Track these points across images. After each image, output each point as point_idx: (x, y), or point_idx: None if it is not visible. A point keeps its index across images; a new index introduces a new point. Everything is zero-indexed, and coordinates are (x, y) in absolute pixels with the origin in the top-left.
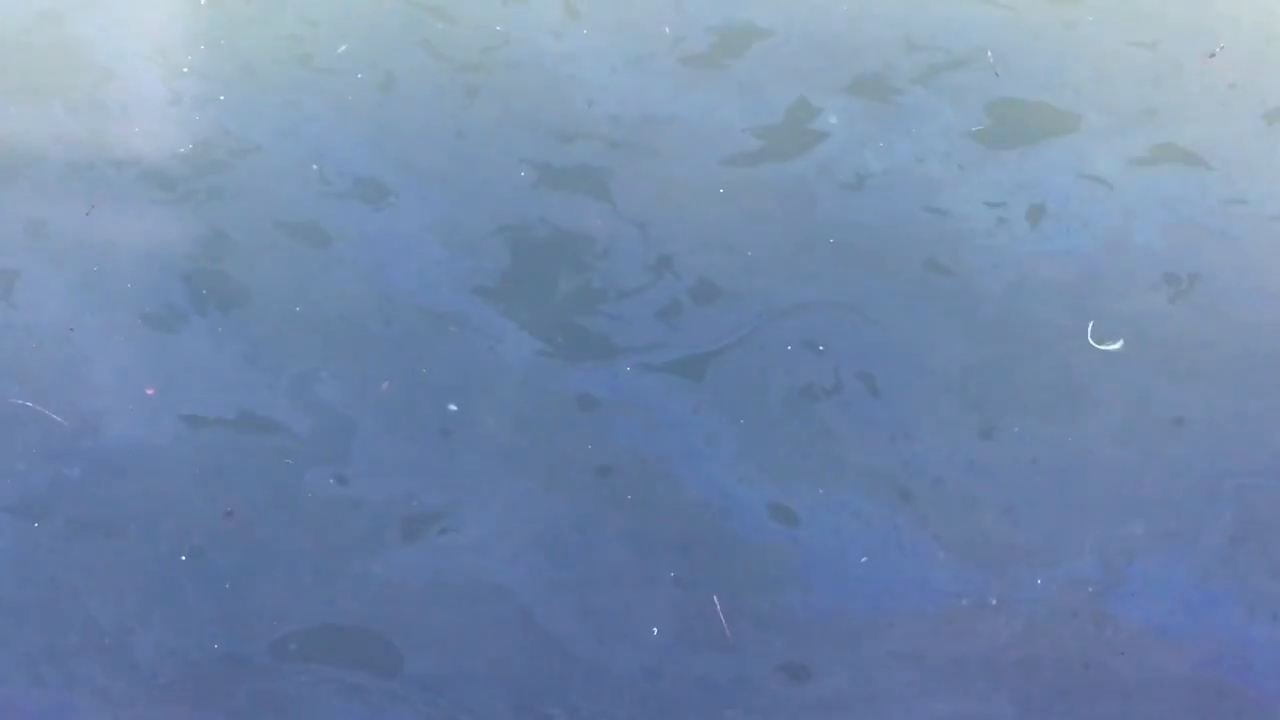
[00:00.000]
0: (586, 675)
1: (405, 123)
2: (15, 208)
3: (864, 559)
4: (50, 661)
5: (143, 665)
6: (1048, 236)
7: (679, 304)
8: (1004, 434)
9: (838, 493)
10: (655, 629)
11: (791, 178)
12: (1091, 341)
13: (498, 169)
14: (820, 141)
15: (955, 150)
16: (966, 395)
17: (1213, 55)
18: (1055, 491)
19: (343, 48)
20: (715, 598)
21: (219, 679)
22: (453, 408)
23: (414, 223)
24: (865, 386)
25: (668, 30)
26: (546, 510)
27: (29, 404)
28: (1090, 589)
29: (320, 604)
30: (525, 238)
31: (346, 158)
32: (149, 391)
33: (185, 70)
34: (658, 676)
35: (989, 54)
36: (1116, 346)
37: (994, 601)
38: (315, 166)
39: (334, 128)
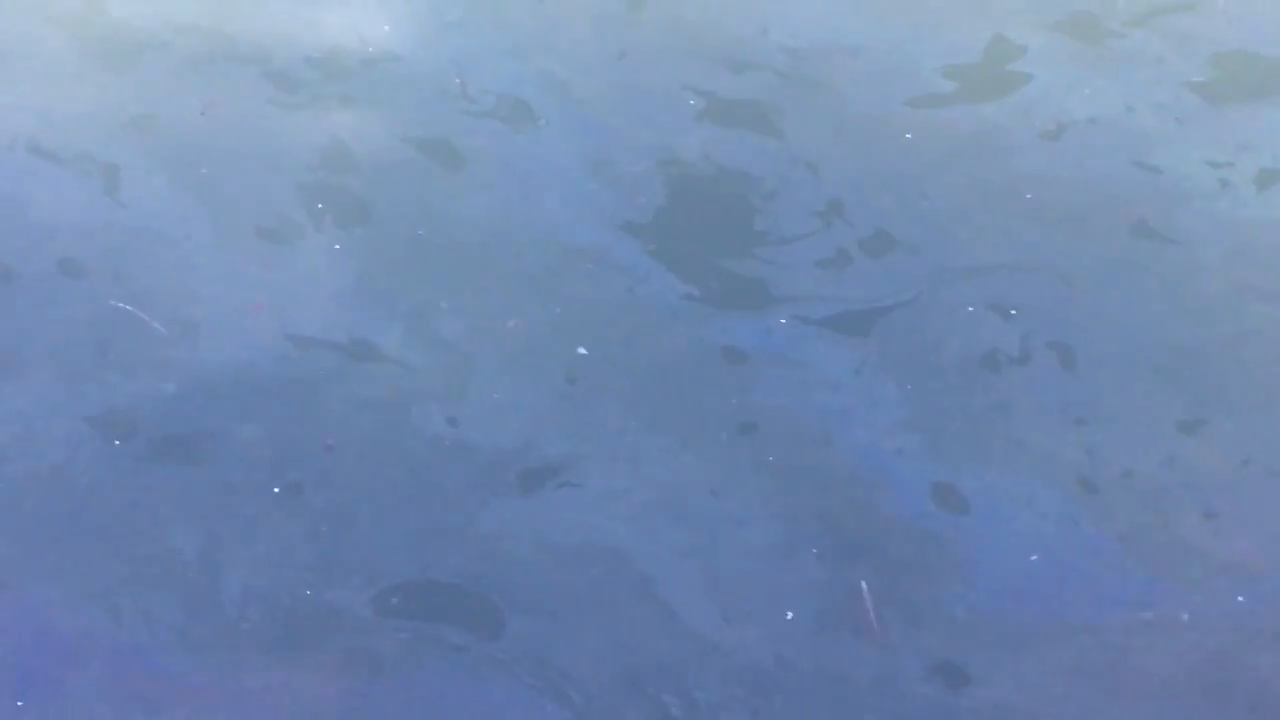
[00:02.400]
0: (708, 658)
1: (560, 38)
2: (124, 99)
3: (1035, 556)
4: (129, 594)
5: (227, 607)
6: (1277, 204)
7: (847, 254)
8: (1211, 427)
9: (1011, 477)
10: (790, 612)
11: (985, 123)
12: None
13: (660, 97)
14: (1020, 85)
15: (1173, 102)
16: (1172, 379)
17: None
18: (1268, 498)
19: None
20: (863, 583)
21: (309, 630)
22: (582, 351)
23: (560, 149)
24: (1057, 359)
25: None
26: (678, 469)
27: (127, 307)
28: None
29: (421, 556)
30: (684, 173)
31: (492, 73)
32: (256, 307)
33: None
34: (789, 666)
35: None
36: None
37: (1185, 617)
38: (457, 80)
39: (481, 39)
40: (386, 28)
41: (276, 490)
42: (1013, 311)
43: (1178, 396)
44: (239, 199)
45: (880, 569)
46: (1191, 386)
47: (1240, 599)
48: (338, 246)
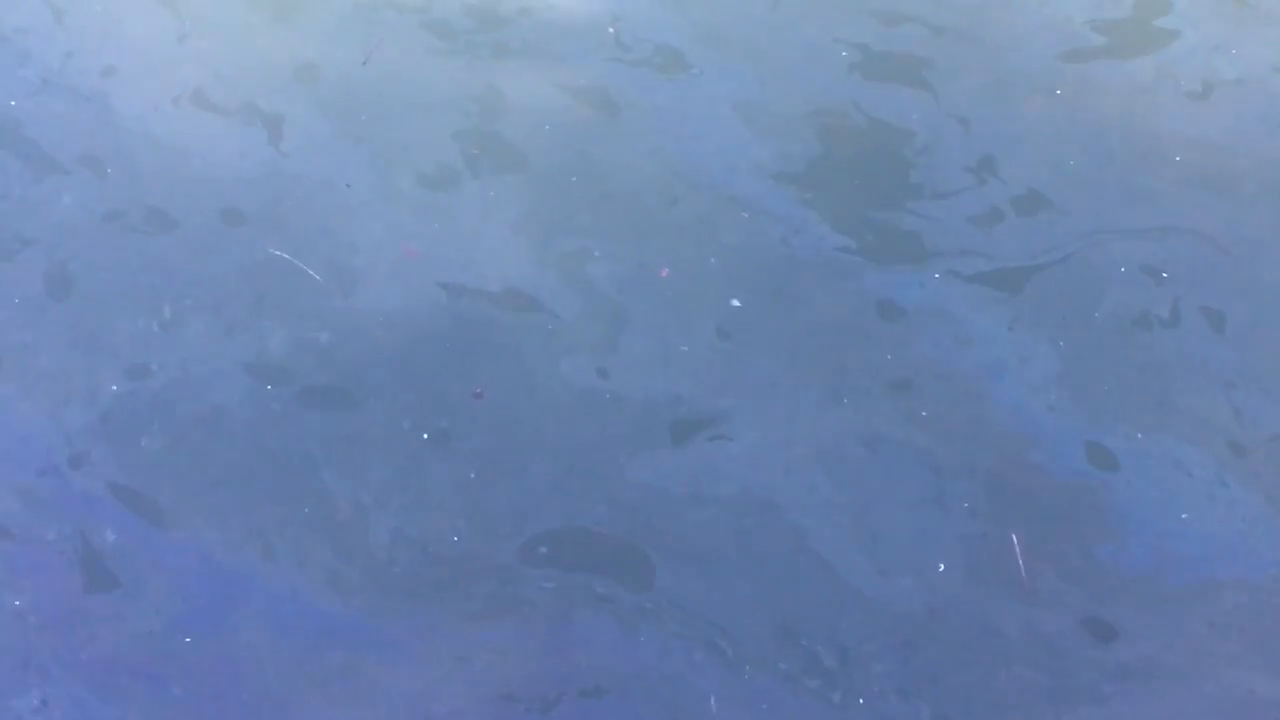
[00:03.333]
0: (861, 608)
1: None
2: (288, 48)
3: (1185, 515)
4: (283, 536)
5: (376, 551)
6: None
7: (1000, 211)
8: None
9: (1162, 437)
10: (942, 564)
11: (1132, 81)
12: None
13: (812, 48)
14: (1168, 41)
15: None
16: None
17: None
18: None
19: None
20: (1014, 536)
21: (457, 576)
22: (736, 303)
23: (715, 98)
24: (1209, 322)
25: None
26: (831, 423)
27: (286, 256)
28: None
29: (570, 504)
30: (837, 124)
31: (647, 23)
32: (409, 251)
33: None
34: (941, 617)
35: None
36: None
37: None
38: (611, 30)
39: None
40: None
41: (425, 437)
42: (1164, 274)
43: None
44: (398, 147)
45: (1031, 524)
46: None
47: None
48: (493, 194)
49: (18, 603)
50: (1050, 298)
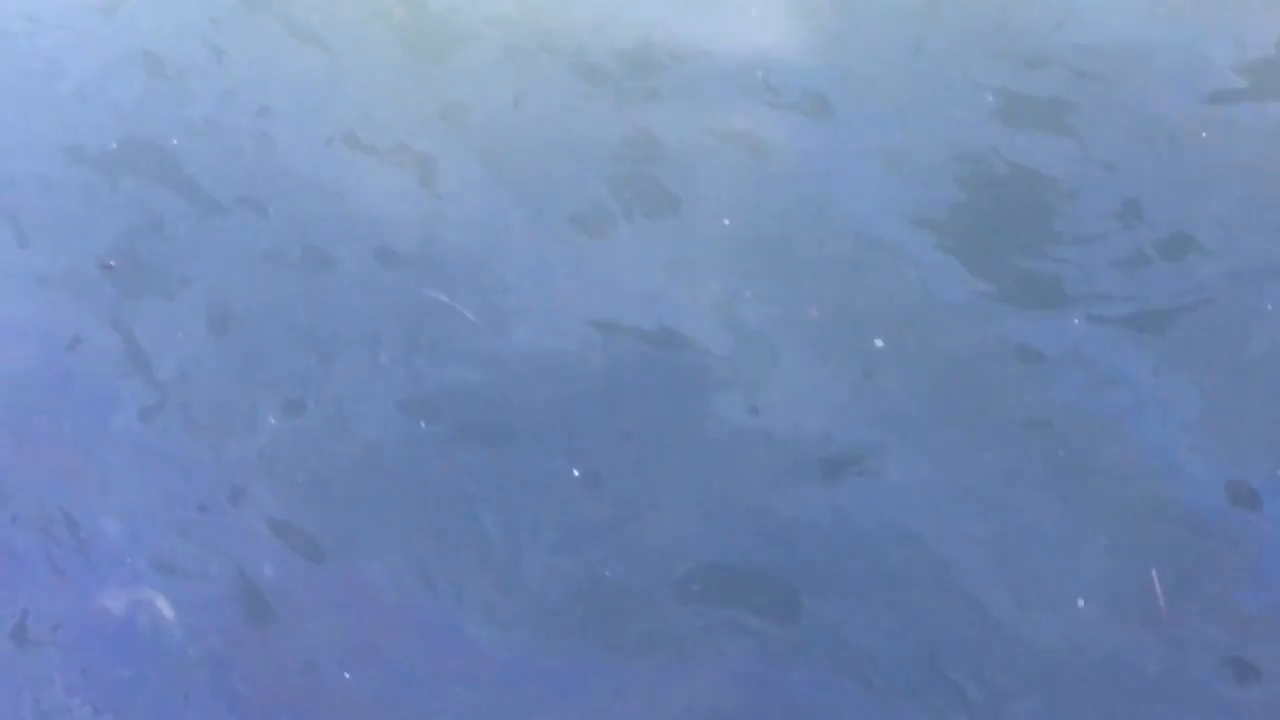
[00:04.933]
0: (1003, 643)
1: (858, 34)
2: (439, 89)
3: None
4: (439, 569)
5: (532, 585)
6: None
7: (1144, 255)
8: None
9: None
10: (1082, 600)
11: (1273, 122)
12: None
13: (955, 92)
14: None
15: None
16: None
17: None
18: None
19: None
20: (1154, 574)
21: (611, 611)
22: (879, 344)
23: (859, 143)
24: None
25: None
26: (973, 460)
27: (441, 296)
28: None
29: (720, 540)
30: (979, 169)
31: (794, 68)
32: (560, 291)
33: None
34: (1082, 653)
35: None
36: None
37: None
38: (760, 75)
39: (782, 35)
40: (693, 23)
41: (577, 473)
42: None
43: None
44: (550, 189)
45: (1171, 562)
46: None
47: None
48: (645, 235)
49: (178, 636)
50: (1195, 339)
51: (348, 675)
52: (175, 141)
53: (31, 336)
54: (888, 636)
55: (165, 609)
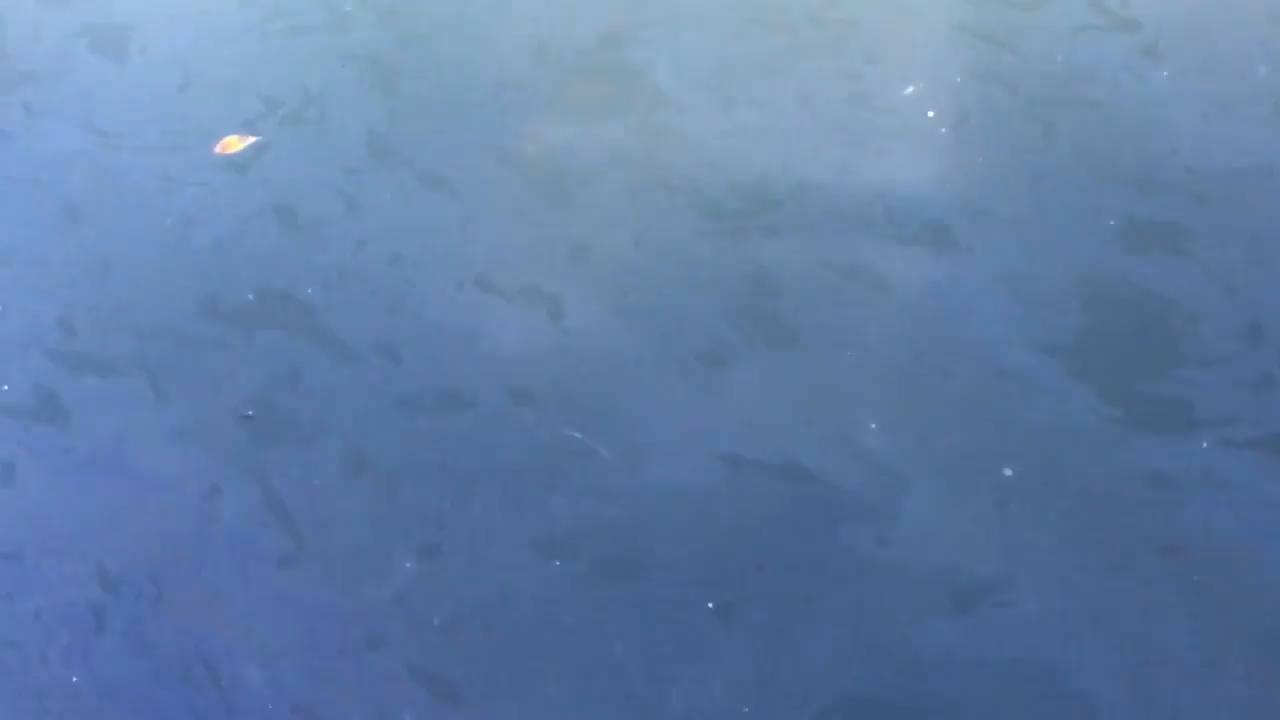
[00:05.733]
0: None
1: (978, 165)
2: (564, 230)
3: None
4: (581, 710)
5: None
6: None
7: (1271, 376)
8: None
9: None
10: None
11: None
12: None
13: (1075, 219)
14: None
15: None
16: None
17: None
18: None
19: (910, 89)
20: None
21: None
22: (1008, 473)
23: (983, 272)
24: None
25: (1262, 71)
26: (1106, 589)
27: (577, 435)
28: None
29: (856, 673)
30: (1104, 295)
31: (913, 200)
32: (688, 425)
33: (740, 99)
34: None
35: None
36: None
37: None
38: (879, 208)
39: (902, 166)
40: (809, 159)
41: (711, 606)
42: None
43: None
44: (674, 324)
45: None
46: None
47: None
48: (769, 369)
49: None
50: None
51: None
52: (310, 291)
53: (170, 489)
54: None
55: None
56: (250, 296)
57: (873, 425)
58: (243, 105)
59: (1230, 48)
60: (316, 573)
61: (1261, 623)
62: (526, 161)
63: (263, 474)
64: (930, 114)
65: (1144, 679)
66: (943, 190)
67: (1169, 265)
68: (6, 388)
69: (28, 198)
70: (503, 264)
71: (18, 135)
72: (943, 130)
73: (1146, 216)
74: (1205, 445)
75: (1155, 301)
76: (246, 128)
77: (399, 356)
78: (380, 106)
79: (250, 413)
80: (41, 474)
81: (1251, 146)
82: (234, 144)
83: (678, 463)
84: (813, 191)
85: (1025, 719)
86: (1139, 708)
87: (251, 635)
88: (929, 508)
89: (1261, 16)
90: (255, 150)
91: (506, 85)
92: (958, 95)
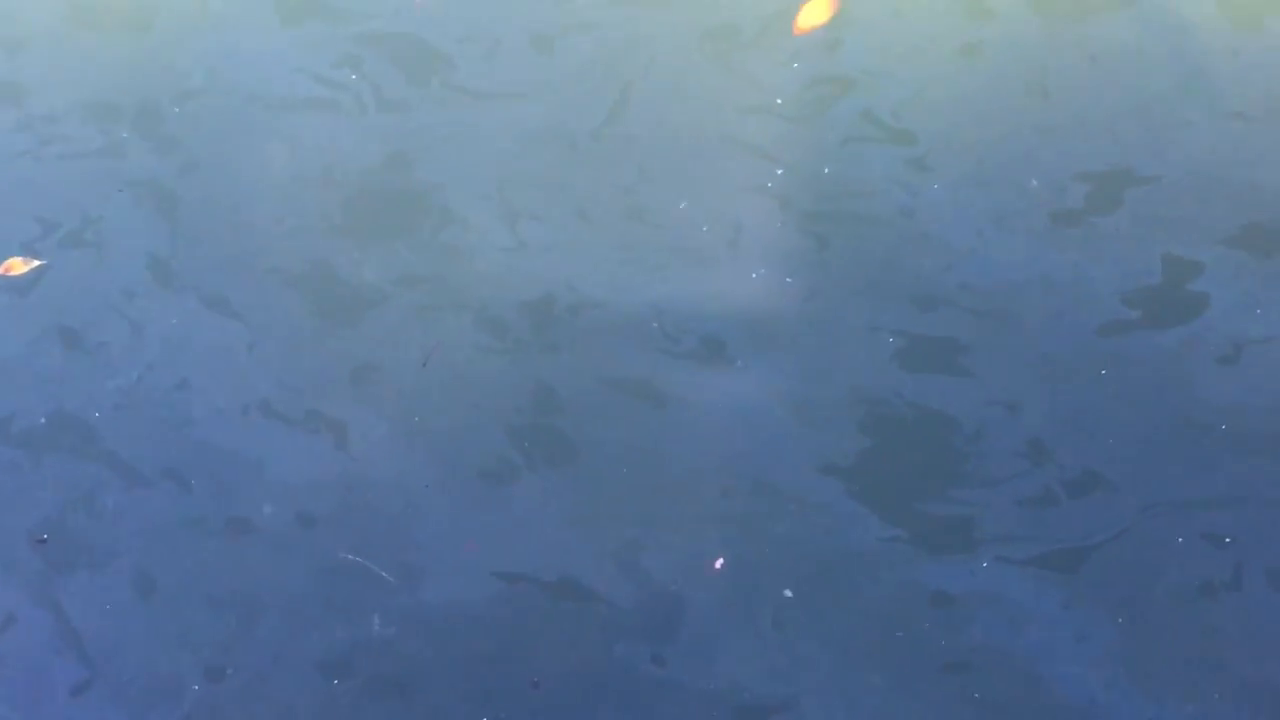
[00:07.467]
0: None
1: (751, 280)
2: (349, 352)
3: None
4: None
5: None
6: None
7: (1052, 493)
8: None
9: (1220, 708)
10: None
11: (1167, 353)
12: None
13: (852, 335)
14: (1200, 308)
15: None
16: None
17: None
18: None
19: (683, 204)
20: None
21: None
22: (788, 594)
23: (759, 389)
24: (1272, 586)
25: (1033, 183)
26: (891, 707)
27: (357, 559)
28: None
29: None
30: (882, 414)
31: (689, 315)
32: (469, 547)
33: (524, 214)
34: None
35: None
36: None
37: None
38: (655, 324)
39: (678, 284)
40: (589, 275)
41: None
42: (1227, 540)
43: None
44: (456, 443)
45: None
46: None
47: None
48: (547, 486)
49: None
50: (1107, 575)
51: None
52: (98, 415)
53: None
54: None
55: None
56: (41, 420)
57: (649, 544)
58: (20, 228)
59: (1001, 160)
60: (108, 700)
61: None
62: (312, 284)
63: (55, 601)
64: (704, 229)
65: None
66: (717, 305)
67: (948, 383)
68: None
69: None
70: (288, 389)
71: None
72: (716, 245)
73: (923, 333)
74: (985, 564)
75: (935, 420)
76: (26, 250)
77: (187, 483)
78: (160, 230)
79: (44, 537)
80: None
81: (1025, 260)
82: (17, 266)
83: (456, 582)
84: (592, 308)
85: None
86: None
87: None
88: (706, 626)
89: (1030, 128)
90: (37, 273)
91: (292, 209)
92: (730, 209)
